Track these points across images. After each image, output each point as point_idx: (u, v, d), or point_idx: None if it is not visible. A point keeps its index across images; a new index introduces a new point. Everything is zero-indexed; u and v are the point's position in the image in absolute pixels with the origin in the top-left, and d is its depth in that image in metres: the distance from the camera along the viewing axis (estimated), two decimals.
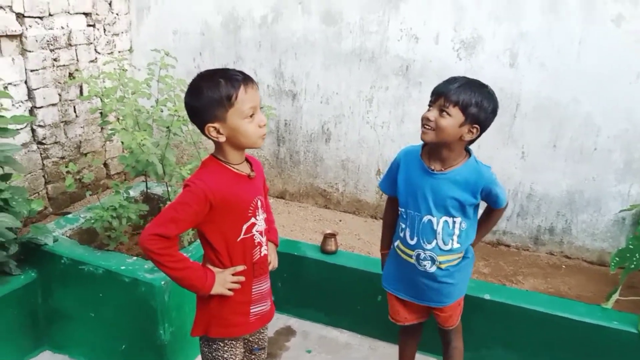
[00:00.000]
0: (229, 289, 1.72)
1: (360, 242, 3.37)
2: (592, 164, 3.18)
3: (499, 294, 2.63)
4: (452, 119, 1.86)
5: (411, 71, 3.48)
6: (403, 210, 2.06)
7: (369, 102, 3.64)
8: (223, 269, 1.73)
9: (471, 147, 2.01)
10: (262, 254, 1.80)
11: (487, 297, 2.58)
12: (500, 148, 3.35)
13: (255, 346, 1.95)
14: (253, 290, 1.80)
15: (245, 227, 1.72)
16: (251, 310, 1.82)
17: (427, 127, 1.90)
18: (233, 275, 1.73)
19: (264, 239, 1.80)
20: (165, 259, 1.62)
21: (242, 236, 1.72)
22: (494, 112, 1.90)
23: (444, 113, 1.86)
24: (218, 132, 1.61)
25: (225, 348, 1.81)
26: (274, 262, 1.94)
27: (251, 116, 1.61)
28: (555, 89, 3.16)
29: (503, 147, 3.34)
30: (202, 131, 1.64)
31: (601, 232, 3.26)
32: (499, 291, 2.69)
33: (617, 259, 2.70)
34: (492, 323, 2.61)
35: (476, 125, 1.88)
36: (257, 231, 1.76)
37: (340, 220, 3.69)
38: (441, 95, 1.88)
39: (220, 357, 1.81)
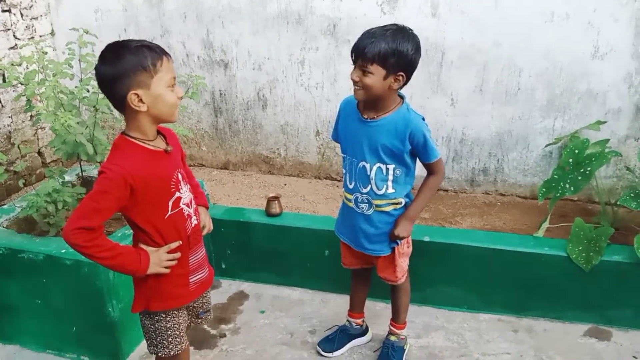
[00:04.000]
0: (166, 267, 1.70)
1: (305, 202, 3.42)
2: (517, 104, 3.31)
3: (437, 235, 2.75)
4: (375, 76, 1.89)
5: (338, 30, 3.50)
6: (344, 156, 2.15)
7: (300, 65, 3.65)
8: (157, 248, 1.69)
9: (405, 97, 2.05)
10: (193, 225, 1.78)
11: (426, 239, 2.70)
12: (430, 97, 3.43)
13: (201, 310, 1.96)
14: (190, 261, 1.79)
15: (171, 202, 1.68)
16: (190, 280, 1.81)
17: (356, 86, 1.94)
18: (168, 252, 1.70)
19: (192, 209, 1.78)
20: (94, 250, 1.57)
21: (170, 212, 1.68)
22: (416, 52, 1.91)
23: (366, 72, 1.89)
24: (140, 100, 1.55)
25: (168, 318, 1.79)
26: (208, 225, 1.93)
27: (172, 86, 1.60)
28: (476, 36, 3.25)
29: (433, 96, 3.43)
30: (120, 101, 1.58)
31: (531, 168, 3.41)
32: (438, 232, 2.81)
33: (544, 189, 2.86)
34: (434, 263, 2.73)
35: (401, 73, 1.91)
36: (184, 204, 1.73)
37: (285, 184, 3.73)
38: (358, 55, 1.90)
39: (163, 328, 1.79)
